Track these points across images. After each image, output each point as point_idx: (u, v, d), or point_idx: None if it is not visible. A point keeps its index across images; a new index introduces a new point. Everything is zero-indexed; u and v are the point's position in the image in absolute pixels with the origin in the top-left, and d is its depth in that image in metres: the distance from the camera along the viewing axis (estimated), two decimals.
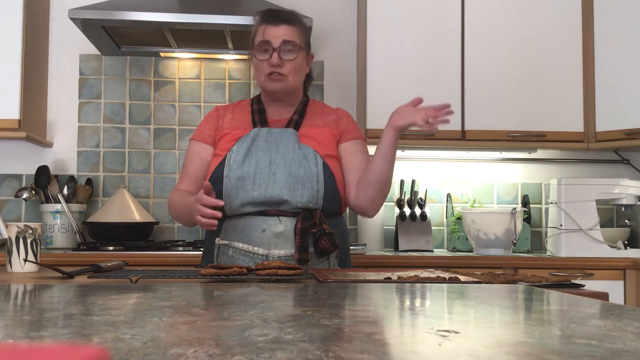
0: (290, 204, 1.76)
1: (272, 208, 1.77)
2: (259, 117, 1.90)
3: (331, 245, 1.75)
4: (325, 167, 1.80)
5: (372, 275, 1.49)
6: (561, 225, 2.73)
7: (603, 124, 2.87)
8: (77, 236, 2.84)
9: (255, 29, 1.91)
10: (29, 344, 0.44)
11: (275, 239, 1.75)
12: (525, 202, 3.14)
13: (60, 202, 2.83)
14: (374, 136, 2.77)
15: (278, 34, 1.84)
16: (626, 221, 3.02)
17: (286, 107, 1.92)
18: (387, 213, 3.12)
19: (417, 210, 2.99)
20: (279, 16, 1.87)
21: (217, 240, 1.81)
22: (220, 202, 1.62)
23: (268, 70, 1.83)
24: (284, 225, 1.76)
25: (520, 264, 2.59)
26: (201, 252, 2.46)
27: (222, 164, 1.81)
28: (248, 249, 1.76)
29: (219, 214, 1.61)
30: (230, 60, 3.17)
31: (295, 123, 1.88)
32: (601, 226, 2.76)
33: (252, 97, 2.06)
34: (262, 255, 1.75)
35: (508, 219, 2.73)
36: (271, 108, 1.93)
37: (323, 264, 1.79)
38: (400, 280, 1.38)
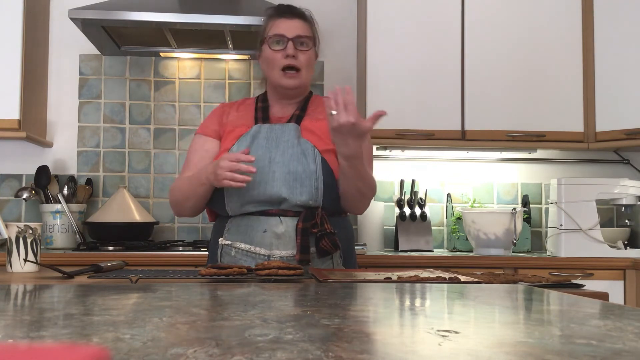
0: (290, 202, 1.75)
1: (273, 208, 1.77)
2: (262, 115, 1.89)
3: (332, 246, 1.74)
4: (324, 163, 1.78)
5: (372, 275, 1.49)
6: (561, 225, 2.73)
7: (603, 124, 2.87)
8: (77, 236, 2.84)
9: (266, 24, 1.91)
10: (29, 344, 0.44)
11: (276, 240, 1.75)
12: (525, 202, 3.14)
13: (60, 202, 2.83)
14: (373, 136, 2.77)
15: (292, 26, 1.85)
16: (626, 221, 3.02)
17: (291, 104, 1.92)
18: (387, 213, 3.12)
19: (417, 210, 2.99)
20: (293, 10, 1.90)
21: (220, 241, 1.81)
22: (252, 158, 1.65)
23: (283, 62, 1.83)
24: (285, 226, 1.76)
25: (520, 264, 2.59)
26: (201, 252, 2.47)
27: None
28: (250, 250, 1.76)
29: (253, 169, 1.64)
30: (230, 60, 3.17)
31: (297, 118, 1.88)
32: (601, 226, 2.76)
33: (253, 96, 2.06)
34: (263, 255, 1.75)
35: (508, 219, 2.73)
36: (276, 105, 1.92)
37: (326, 264, 1.78)
38: (400, 280, 1.38)
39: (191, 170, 1.87)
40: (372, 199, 1.91)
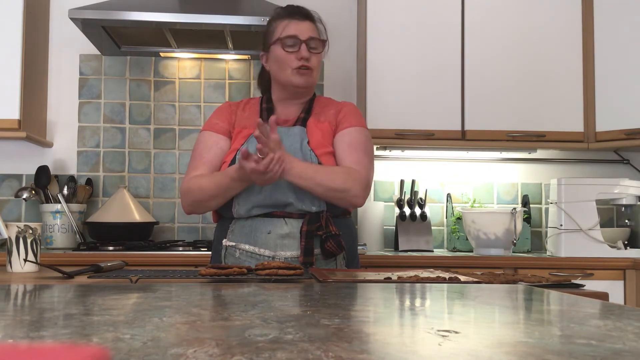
0: (295, 207, 1.76)
1: (278, 210, 1.77)
2: (267, 115, 1.88)
3: (337, 247, 1.74)
4: None
5: (372, 275, 1.49)
6: (561, 225, 2.73)
7: (603, 124, 2.87)
8: (77, 236, 2.84)
9: (274, 25, 1.90)
10: (29, 344, 0.44)
11: (281, 241, 1.75)
12: (525, 202, 3.14)
13: (60, 202, 2.83)
14: (374, 136, 2.77)
15: (304, 28, 1.86)
16: (626, 221, 3.02)
17: (295, 105, 1.92)
18: (387, 213, 3.12)
19: (417, 210, 2.99)
20: (303, 12, 1.90)
21: (224, 242, 1.81)
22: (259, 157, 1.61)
23: (297, 63, 1.83)
24: (290, 227, 1.76)
25: (520, 264, 2.59)
26: (201, 252, 2.47)
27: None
28: (254, 251, 1.76)
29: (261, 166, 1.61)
30: (230, 60, 3.17)
31: (303, 120, 1.88)
32: (601, 226, 2.76)
33: (253, 96, 2.05)
34: (268, 257, 1.75)
35: (508, 219, 2.73)
36: (281, 107, 1.92)
37: (330, 265, 1.79)
38: (400, 280, 1.38)
39: (205, 165, 1.84)
40: (363, 191, 1.79)
